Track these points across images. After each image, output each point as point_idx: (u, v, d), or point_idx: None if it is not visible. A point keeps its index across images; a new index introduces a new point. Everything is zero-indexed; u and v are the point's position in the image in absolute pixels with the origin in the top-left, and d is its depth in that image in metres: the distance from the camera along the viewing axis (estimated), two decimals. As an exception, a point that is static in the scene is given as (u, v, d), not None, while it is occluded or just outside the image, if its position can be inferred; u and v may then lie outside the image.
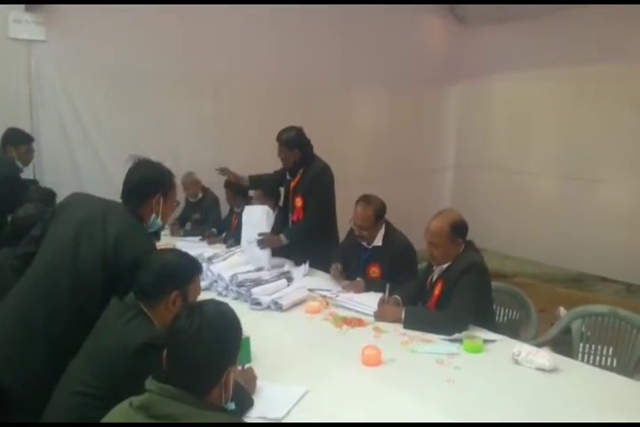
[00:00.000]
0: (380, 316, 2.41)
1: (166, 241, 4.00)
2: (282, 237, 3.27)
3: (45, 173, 4.17)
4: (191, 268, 1.73)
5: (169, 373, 1.23)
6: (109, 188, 3.11)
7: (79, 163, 4.39)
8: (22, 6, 4.06)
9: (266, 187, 3.75)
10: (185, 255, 1.77)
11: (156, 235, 2.13)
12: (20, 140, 3.68)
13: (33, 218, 2.56)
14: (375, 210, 2.86)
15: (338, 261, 3.00)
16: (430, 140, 6.56)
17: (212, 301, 1.38)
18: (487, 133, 6.35)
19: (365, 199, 2.90)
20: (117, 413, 1.22)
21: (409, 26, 5.99)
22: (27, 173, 3.92)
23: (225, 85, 4.89)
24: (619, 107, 4.98)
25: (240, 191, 4.18)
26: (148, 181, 1.95)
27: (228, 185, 4.24)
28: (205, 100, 4.90)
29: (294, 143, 3.37)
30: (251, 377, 1.79)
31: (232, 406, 1.31)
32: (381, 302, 2.48)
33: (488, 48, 6.02)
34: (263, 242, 3.21)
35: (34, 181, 3.87)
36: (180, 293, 1.65)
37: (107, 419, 1.22)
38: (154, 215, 1.97)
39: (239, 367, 1.81)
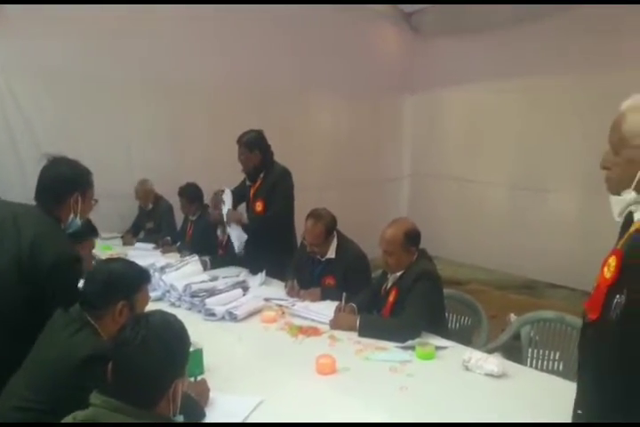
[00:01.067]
0: (335, 324, 2.42)
1: (118, 250, 3.91)
2: (244, 215, 3.36)
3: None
4: (138, 277, 1.69)
5: (114, 385, 1.19)
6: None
7: (27, 171, 4.21)
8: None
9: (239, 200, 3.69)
10: (132, 264, 1.73)
11: (75, 235, 2.05)
12: None
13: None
14: (326, 226, 2.87)
15: (292, 278, 2.99)
16: (387, 149, 6.66)
17: (158, 311, 1.36)
18: (442, 143, 6.49)
19: (315, 215, 2.90)
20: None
21: (365, 33, 6.05)
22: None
23: (178, 89, 4.78)
24: (568, 118, 5.16)
25: (196, 199, 4.12)
26: (65, 180, 1.88)
27: (182, 193, 4.17)
28: (158, 104, 4.78)
29: (255, 145, 3.37)
30: (203, 389, 1.75)
31: (180, 418, 1.28)
32: (337, 311, 2.49)
33: (443, 59, 6.16)
34: (228, 215, 3.34)
35: None
36: (127, 303, 1.61)
37: None
38: (72, 215, 1.90)
39: (191, 379, 1.78)
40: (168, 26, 4.64)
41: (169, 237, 4.18)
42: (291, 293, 2.91)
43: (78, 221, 1.94)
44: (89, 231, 3.17)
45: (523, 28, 5.27)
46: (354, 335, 2.32)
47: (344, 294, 2.56)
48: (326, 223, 2.88)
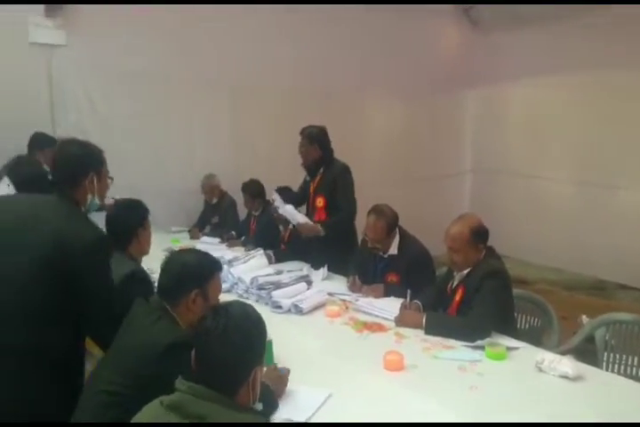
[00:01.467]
0: (400, 321, 2.40)
1: (186, 243, 4.05)
2: (319, 226, 3.33)
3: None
4: (210, 266, 1.73)
5: (198, 373, 1.24)
6: (127, 191, 3.14)
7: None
8: (42, 11, 4.12)
9: (299, 200, 3.71)
10: (203, 254, 1.78)
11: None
12: (45, 144, 3.74)
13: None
14: (387, 222, 2.85)
15: (354, 273, 2.98)
16: (446, 145, 6.54)
17: (236, 302, 1.41)
18: (504, 138, 6.32)
19: (377, 211, 2.89)
20: (149, 412, 1.24)
21: (423, 30, 5.97)
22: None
23: (241, 89, 4.92)
24: (636, 113, 4.92)
25: (258, 195, 4.20)
26: (78, 162, 1.85)
27: (245, 189, 4.27)
28: (222, 103, 4.94)
29: (315, 138, 3.41)
30: (280, 380, 1.78)
31: (260, 406, 1.32)
32: (402, 308, 2.48)
33: (504, 52, 5.99)
34: (301, 229, 3.31)
35: None
36: (200, 291, 1.66)
37: (138, 417, 1.24)
38: (90, 196, 1.87)
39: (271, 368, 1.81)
40: (235, 27, 4.77)
41: (233, 232, 4.29)
42: (353, 288, 2.91)
43: (97, 201, 1.92)
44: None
45: (586, 19, 5.03)
46: (420, 333, 2.30)
47: (408, 291, 2.54)
48: (388, 219, 2.86)
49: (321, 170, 3.47)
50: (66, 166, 1.85)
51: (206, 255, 1.78)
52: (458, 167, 6.73)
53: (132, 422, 1.25)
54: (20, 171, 3.44)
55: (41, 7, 4.09)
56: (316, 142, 3.42)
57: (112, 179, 2.04)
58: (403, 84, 5.81)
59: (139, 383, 1.50)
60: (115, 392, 1.54)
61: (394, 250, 2.90)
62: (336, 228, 3.37)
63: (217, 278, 1.75)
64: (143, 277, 2.15)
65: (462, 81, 6.37)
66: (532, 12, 5.42)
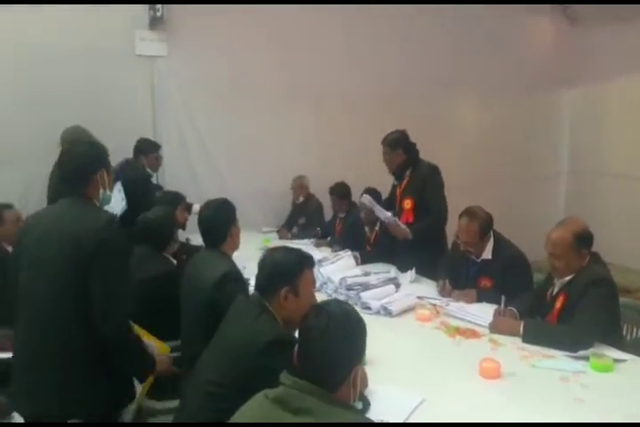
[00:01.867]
0: (495, 328, 2.32)
1: (275, 243, 4.16)
2: (408, 230, 3.26)
3: (166, 181, 4.49)
4: (298, 262, 1.75)
5: (300, 369, 1.27)
6: (224, 193, 3.27)
7: (197, 171, 4.70)
8: (147, 25, 4.43)
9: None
10: (293, 251, 1.81)
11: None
12: (149, 149, 4.02)
13: (161, 219, 2.79)
14: (480, 224, 2.76)
15: (444, 277, 2.91)
16: (541, 146, 6.22)
17: (335, 301, 1.44)
18: (603, 138, 5.92)
19: (470, 213, 2.80)
20: (254, 404, 1.28)
21: (518, 28, 5.79)
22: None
23: (329, 93, 5.02)
24: None
25: (345, 197, 4.25)
26: (90, 161, 1.92)
27: (333, 192, 4.34)
28: (310, 107, 5.06)
29: (397, 144, 3.39)
30: (366, 379, 1.78)
31: (359, 405, 1.33)
32: (497, 314, 2.39)
33: (602, 50, 5.65)
34: (391, 228, 3.27)
35: (159, 187, 4.18)
36: (290, 288, 1.69)
37: (244, 408, 1.29)
38: (102, 190, 1.95)
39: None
40: (320, 37, 4.90)
41: (319, 228, 4.45)
42: (442, 292, 2.85)
43: (109, 193, 2.01)
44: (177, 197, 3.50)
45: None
46: (517, 340, 2.22)
47: (503, 298, 2.45)
48: (481, 222, 2.77)
49: (408, 172, 3.44)
50: (78, 166, 1.91)
51: (295, 252, 1.81)
52: (554, 169, 6.38)
53: (237, 413, 1.30)
54: (125, 174, 3.73)
55: (146, 21, 4.39)
56: (399, 147, 3.39)
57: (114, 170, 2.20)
58: (495, 83, 5.63)
59: (238, 378, 1.56)
60: (217, 384, 1.61)
61: (487, 254, 2.80)
62: (427, 233, 3.30)
63: (307, 274, 1.76)
64: (238, 277, 2.24)
65: (559, 80, 6.06)
66: (630, 9, 5.07)
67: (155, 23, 4.42)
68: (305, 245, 4.09)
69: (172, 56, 4.56)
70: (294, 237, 4.51)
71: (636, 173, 5.54)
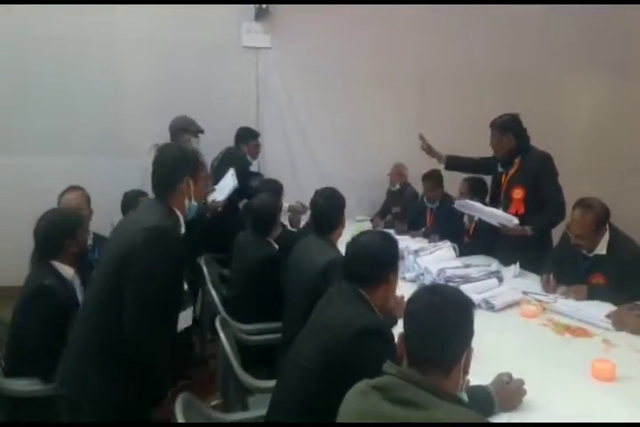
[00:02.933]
0: (619, 323, 2.17)
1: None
2: (527, 228, 3.07)
3: (267, 167, 4.66)
4: (395, 253, 1.78)
5: (409, 355, 1.24)
6: (322, 180, 3.32)
7: (296, 158, 4.83)
8: (253, 17, 4.58)
9: (465, 169, 3.67)
10: (387, 238, 1.80)
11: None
12: (249, 137, 4.18)
13: (266, 206, 2.90)
14: (596, 217, 2.57)
15: (549, 272, 2.76)
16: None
17: (442, 284, 1.47)
18: None
19: (584, 205, 2.61)
20: (354, 390, 1.25)
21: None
22: (254, 167, 4.44)
23: (429, 78, 4.96)
24: None
25: (440, 184, 4.10)
26: (173, 166, 1.87)
27: (426, 178, 4.17)
28: (408, 97, 5.02)
29: (507, 127, 3.20)
30: (517, 392, 1.66)
31: (465, 396, 1.29)
32: (623, 308, 2.24)
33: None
34: (508, 231, 3.11)
35: (259, 174, 4.35)
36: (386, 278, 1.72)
37: (347, 396, 1.25)
38: (187, 201, 1.90)
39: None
40: (421, 23, 4.81)
41: (406, 226, 4.25)
42: (546, 286, 2.71)
43: (194, 204, 1.94)
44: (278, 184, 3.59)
45: None
46: (634, 343, 2.06)
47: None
48: (597, 213, 2.58)
49: (517, 159, 3.25)
50: (161, 171, 1.88)
51: (390, 240, 1.80)
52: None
53: (341, 407, 1.25)
54: (226, 162, 3.93)
55: (252, 13, 4.54)
56: (509, 131, 3.20)
57: (214, 189, 2.26)
58: (610, 63, 5.17)
59: (324, 362, 1.56)
60: (309, 368, 1.62)
61: (602, 249, 2.61)
62: (549, 226, 3.12)
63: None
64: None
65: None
66: None
67: (260, 15, 4.56)
68: (400, 235, 4.07)
69: (275, 47, 4.70)
70: (387, 225, 4.43)
71: None
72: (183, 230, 1.91)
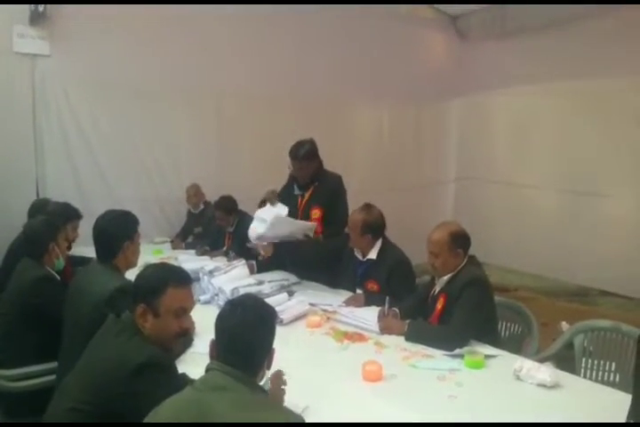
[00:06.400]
0: (385, 328, 2.41)
1: (169, 254, 4.03)
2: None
3: (50, 192, 4.13)
4: (161, 279, 1.61)
5: (219, 357, 1.36)
6: (110, 201, 3.09)
7: (82, 176, 4.40)
8: (27, 20, 4.11)
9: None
10: (161, 267, 1.70)
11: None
12: None
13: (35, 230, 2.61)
14: (364, 219, 2.84)
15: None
16: (431, 154, 6.57)
17: (247, 295, 1.62)
18: (489, 147, 6.36)
19: (363, 207, 2.93)
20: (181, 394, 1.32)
21: (410, 40, 6.03)
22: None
23: (226, 100, 4.93)
24: (619, 121, 4.99)
25: (232, 210, 4.13)
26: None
27: (218, 206, 4.16)
28: (207, 114, 4.93)
29: (313, 155, 3.26)
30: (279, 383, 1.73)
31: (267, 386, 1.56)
32: (382, 315, 2.48)
33: (489, 62, 6.06)
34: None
35: (46, 200, 3.69)
36: (148, 308, 1.57)
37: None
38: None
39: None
40: (219, 40, 4.78)
41: (207, 247, 4.18)
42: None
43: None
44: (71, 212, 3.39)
45: (568, 30, 5.14)
46: (401, 342, 2.31)
47: (387, 299, 2.55)
48: (366, 217, 2.85)
49: (314, 182, 3.34)
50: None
51: (165, 268, 1.69)
52: (442, 176, 6.74)
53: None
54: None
55: (26, 16, 4.07)
56: (315, 158, 3.27)
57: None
58: (388, 93, 5.86)
59: (106, 401, 1.46)
60: (81, 410, 1.48)
61: (373, 255, 2.89)
62: (336, 235, 3.24)
63: (172, 294, 1.60)
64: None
65: (448, 90, 6.41)
66: (516, 23, 5.55)
67: (35, 18, 4.10)
68: (199, 256, 4.01)
69: (56, 55, 4.25)
70: (188, 246, 4.33)
71: (518, 180, 6.02)
72: None
